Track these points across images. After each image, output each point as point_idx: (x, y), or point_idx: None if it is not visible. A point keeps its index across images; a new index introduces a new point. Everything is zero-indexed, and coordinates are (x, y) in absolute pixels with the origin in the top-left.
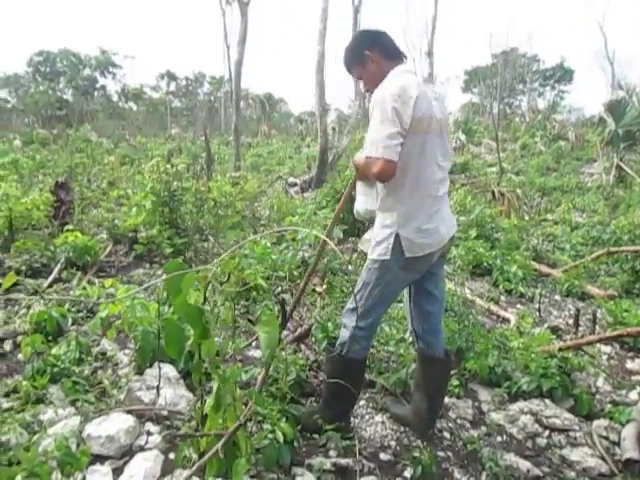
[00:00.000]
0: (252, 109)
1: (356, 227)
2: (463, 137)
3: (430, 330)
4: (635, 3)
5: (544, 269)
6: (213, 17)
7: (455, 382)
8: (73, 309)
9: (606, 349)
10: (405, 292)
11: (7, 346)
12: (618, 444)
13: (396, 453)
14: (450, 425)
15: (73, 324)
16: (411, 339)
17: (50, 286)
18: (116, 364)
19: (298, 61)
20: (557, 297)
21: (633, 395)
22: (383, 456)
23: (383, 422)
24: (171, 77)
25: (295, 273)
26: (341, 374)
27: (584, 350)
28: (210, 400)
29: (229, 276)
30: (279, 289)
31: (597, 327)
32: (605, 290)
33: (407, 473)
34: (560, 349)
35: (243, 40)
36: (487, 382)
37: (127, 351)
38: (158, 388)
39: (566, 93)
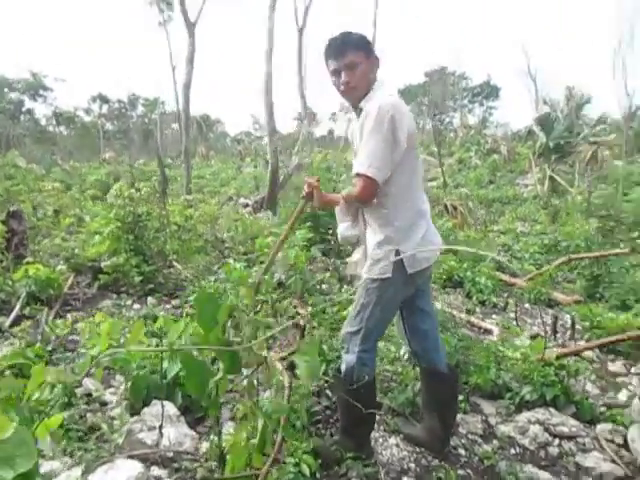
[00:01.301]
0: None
1: (340, 248)
2: None
3: (430, 348)
4: (553, 26)
5: (508, 279)
6: (146, 39)
7: (460, 397)
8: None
9: (588, 353)
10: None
11: None
12: (624, 446)
13: (418, 475)
14: (463, 441)
15: (47, 364)
16: (406, 357)
17: (13, 324)
18: (104, 404)
19: (232, 81)
20: (527, 305)
21: (622, 396)
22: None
23: (397, 444)
24: (103, 100)
25: (274, 296)
26: (355, 400)
27: (570, 356)
28: (234, 439)
29: (262, 305)
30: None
31: (574, 332)
32: (570, 296)
33: None
34: (557, 357)
35: (191, 61)
36: (489, 395)
37: (112, 389)
38: (161, 428)
39: (494, 109)
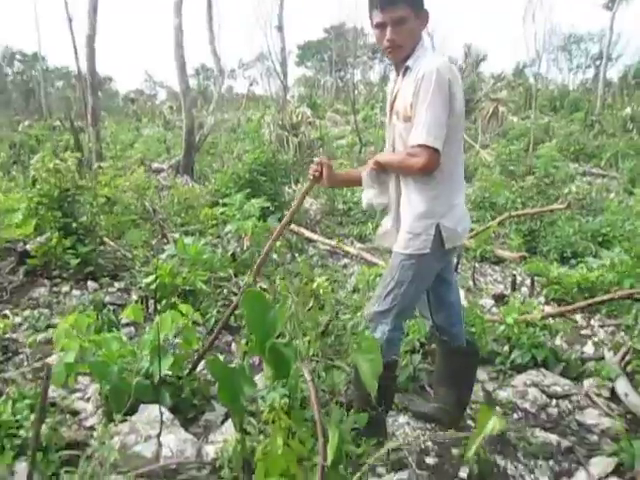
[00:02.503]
0: (75, 89)
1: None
2: (309, 111)
3: (453, 321)
4: None
5: None
6: None
7: None
8: None
9: (548, 309)
10: None
11: None
12: (612, 399)
13: (439, 454)
14: (468, 411)
15: None
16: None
17: None
18: (75, 414)
19: (119, 35)
20: (474, 264)
21: (588, 349)
22: (430, 460)
23: (408, 423)
24: None
25: (230, 271)
26: (379, 382)
27: (555, 316)
28: (269, 445)
29: (315, 298)
30: (225, 292)
31: (534, 289)
32: (516, 252)
33: (462, 473)
34: (542, 317)
35: (94, 10)
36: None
37: (79, 394)
38: (159, 437)
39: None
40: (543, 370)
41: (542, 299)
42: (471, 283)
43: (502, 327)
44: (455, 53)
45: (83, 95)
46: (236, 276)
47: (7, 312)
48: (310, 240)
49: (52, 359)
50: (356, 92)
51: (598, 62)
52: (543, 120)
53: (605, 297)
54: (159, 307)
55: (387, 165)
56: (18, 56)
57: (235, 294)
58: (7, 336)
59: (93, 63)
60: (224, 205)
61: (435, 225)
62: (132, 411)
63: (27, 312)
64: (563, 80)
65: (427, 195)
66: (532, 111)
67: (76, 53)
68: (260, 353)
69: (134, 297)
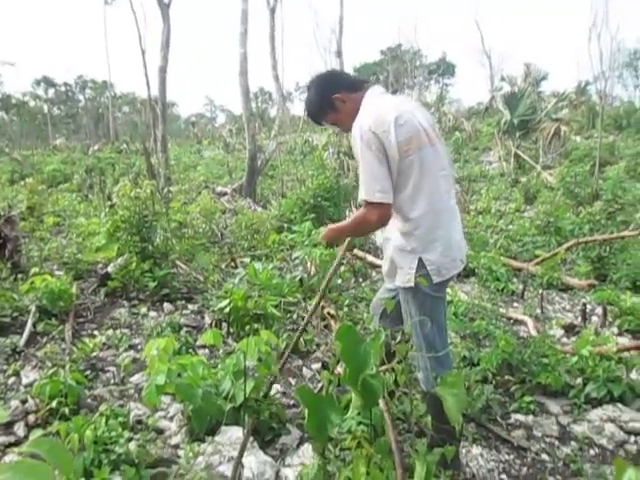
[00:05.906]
0: (140, 114)
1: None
2: None
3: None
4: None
5: (514, 263)
6: (89, 19)
7: (528, 398)
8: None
9: (623, 340)
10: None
11: (20, 431)
12: None
13: None
14: (542, 445)
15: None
16: None
17: (28, 343)
18: (160, 432)
19: (180, 61)
20: (541, 291)
21: None
22: None
23: (482, 454)
24: (49, 83)
25: (298, 296)
26: (441, 417)
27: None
28: (353, 472)
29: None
30: (294, 316)
31: (606, 320)
32: (584, 279)
33: None
34: (619, 350)
35: (167, 44)
36: (551, 393)
37: (162, 413)
38: (240, 458)
39: (450, 86)
40: (620, 405)
41: (615, 330)
42: (538, 311)
43: (574, 359)
44: (515, 72)
45: (153, 122)
46: (304, 300)
47: (95, 332)
48: (374, 265)
49: (135, 378)
50: None
51: None
52: (608, 139)
53: None
54: (232, 330)
55: (341, 233)
56: (90, 84)
57: (303, 318)
58: (93, 354)
59: (164, 93)
60: (292, 231)
61: (417, 259)
62: (212, 432)
63: (110, 332)
64: (629, 97)
65: (404, 230)
66: (596, 130)
67: (147, 82)
68: (352, 384)
69: (207, 319)
